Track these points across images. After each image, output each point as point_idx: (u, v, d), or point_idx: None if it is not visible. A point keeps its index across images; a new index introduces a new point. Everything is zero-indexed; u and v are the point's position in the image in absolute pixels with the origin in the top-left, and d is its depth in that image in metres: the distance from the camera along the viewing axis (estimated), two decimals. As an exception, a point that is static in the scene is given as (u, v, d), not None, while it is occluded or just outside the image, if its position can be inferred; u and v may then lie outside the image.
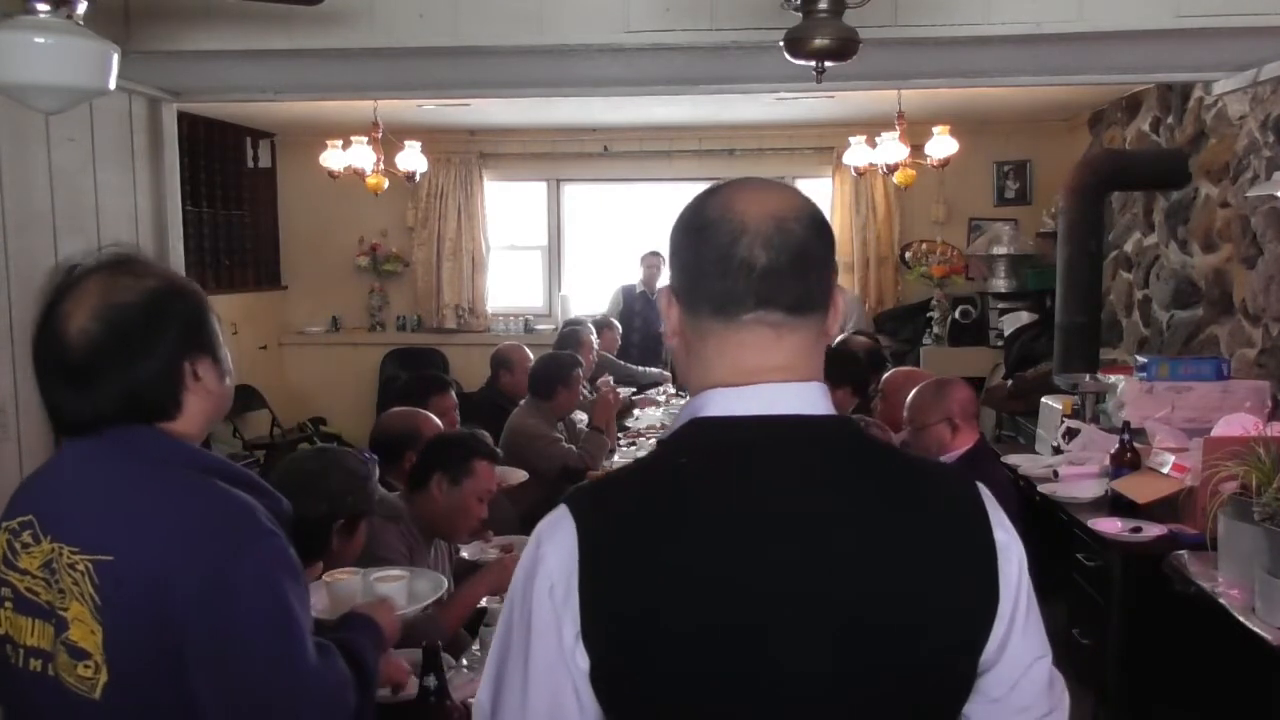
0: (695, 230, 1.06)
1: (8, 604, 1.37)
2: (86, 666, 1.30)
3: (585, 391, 5.23)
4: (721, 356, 1.05)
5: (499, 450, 4.29)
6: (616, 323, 6.90)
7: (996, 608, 1.03)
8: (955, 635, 1.03)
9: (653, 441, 4.88)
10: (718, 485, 1.01)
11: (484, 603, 2.67)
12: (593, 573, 0.98)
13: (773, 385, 1.04)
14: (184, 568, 1.27)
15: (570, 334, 5.82)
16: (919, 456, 1.17)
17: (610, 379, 5.62)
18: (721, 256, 1.03)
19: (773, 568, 0.98)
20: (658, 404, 5.99)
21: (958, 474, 1.13)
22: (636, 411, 5.84)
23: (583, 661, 0.97)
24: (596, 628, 0.97)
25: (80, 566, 1.30)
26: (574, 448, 4.60)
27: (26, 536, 1.36)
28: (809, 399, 1.05)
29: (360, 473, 2.28)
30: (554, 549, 1.00)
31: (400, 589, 2.14)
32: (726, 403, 1.04)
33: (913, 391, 3.30)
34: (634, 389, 6.27)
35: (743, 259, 1.02)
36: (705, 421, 1.04)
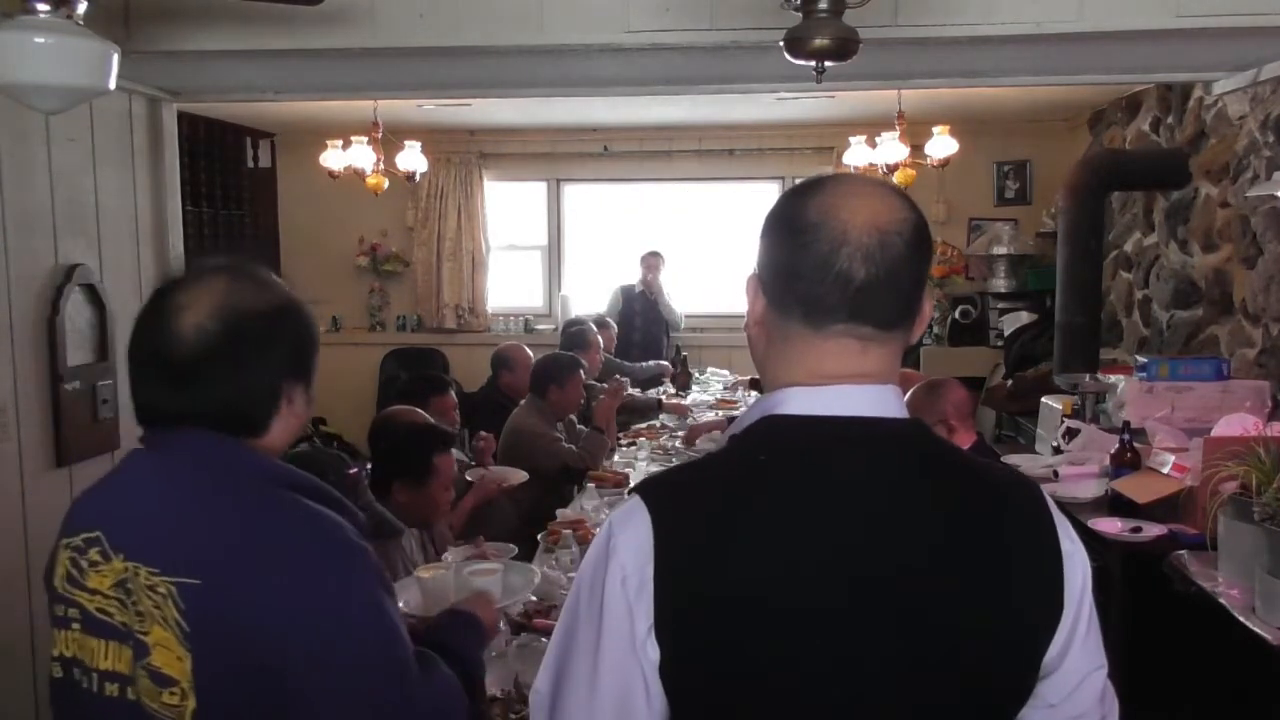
0: (795, 231, 1.04)
1: (75, 625, 1.30)
2: (172, 694, 1.23)
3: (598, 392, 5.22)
4: (804, 360, 1.05)
5: (498, 449, 4.31)
6: (612, 322, 6.90)
7: (1060, 615, 1.04)
8: (1018, 640, 1.03)
9: (652, 442, 4.88)
10: (797, 482, 1.01)
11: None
12: (670, 565, 0.98)
13: (849, 386, 1.04)
14: (285, 595, 1.21)
15: (577, 334, 5.81)
16: (989, 462, 1.17)
17: (626, 380, 5.59)
18: (819, 265, 1.02)
19: (846, 565, 0.99)
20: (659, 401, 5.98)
21: (1027, 481, 1.12)
22: (663, 417, 5.73)
23: (653, 653, 0.97)
24: (671, 619, 0.97)
25: (162, 589, 1.23)
26: (573, 447, 4.60)
27: (94, 554, 1.28)
28: (883, 402, 1.05)
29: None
30: (627, 540, 1.00)
31: (495, 582, 2.08)
32: (802, 402, 1.04)
33: (906, 394, 3.30)
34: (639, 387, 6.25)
35: (840, 271, 1.01)
36: (780, 419, 1.05)
